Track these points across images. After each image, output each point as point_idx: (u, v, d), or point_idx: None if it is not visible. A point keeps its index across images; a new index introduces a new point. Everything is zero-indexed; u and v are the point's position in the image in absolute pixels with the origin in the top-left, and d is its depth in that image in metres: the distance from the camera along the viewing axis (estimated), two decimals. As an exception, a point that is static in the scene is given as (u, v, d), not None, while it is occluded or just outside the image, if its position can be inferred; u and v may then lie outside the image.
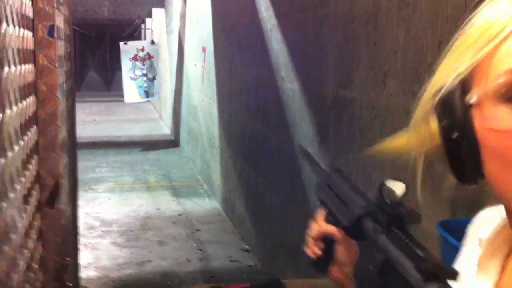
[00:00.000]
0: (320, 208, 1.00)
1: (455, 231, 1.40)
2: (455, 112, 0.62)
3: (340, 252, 0.94)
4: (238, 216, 5.27)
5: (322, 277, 1.02)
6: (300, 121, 3.41)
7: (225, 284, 1.05)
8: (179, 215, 5.86)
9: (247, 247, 4.85)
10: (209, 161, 6.73)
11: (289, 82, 3.58)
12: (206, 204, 6.27)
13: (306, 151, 1.22)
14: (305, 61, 3.35)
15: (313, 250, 0.96)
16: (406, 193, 0.79)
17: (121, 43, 9.74)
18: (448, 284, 0.60)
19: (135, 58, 9.47)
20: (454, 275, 0.62)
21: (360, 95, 2.60)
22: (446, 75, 0.62)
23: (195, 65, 7.41)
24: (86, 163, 7.71)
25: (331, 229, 0.94)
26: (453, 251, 1.35)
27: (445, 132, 0.63)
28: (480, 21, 0.60)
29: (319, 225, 0.96)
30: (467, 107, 0.61)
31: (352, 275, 0.93)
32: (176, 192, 6.73)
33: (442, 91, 0.62)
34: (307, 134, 3.28)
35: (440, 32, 1.91)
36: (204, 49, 6.65)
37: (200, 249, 4.84)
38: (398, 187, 0.79)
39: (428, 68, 2.00)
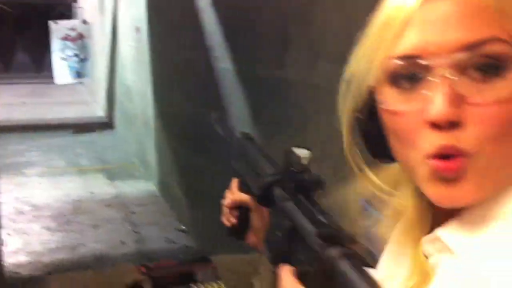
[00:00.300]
0: (234, 177, 1.00)
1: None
2: (361, 94, 0.65)
3: (254, 219, 0.96)
4: (174, 197, 5.25)
5: (246, 250, 1.03)
6: (235, 101, 3.41)
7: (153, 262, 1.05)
8: (113, 198, 5.77)
9: (183, 228, 4.84)
10: (144, 143, 6.64)
11: (223, 62, 3.57)
12: (141, 187, 6.20)
13: (218, 117, 1.21)
14: (240, 41, 3.35)
15: (228, 219, 0.97)
16: (311, 160, 0.81)
17: (51, 22, 9.41)
18: (348, 248, 0.62)
19: (66, 38, 9.18)
20: (353, 240, 0.64)
21: (294, 75, 2.63)
22: (356, 61, 0.66)
23: (129, 45, 7.26)
24: (15, 147, 7.45)
25: (245, 197, 0.96)
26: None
27: (356, 112, 0.66)
28: (387, 7, 0.63)
29: (233, 194, 0.98)
30: (372, 89, 0.64)
31: (264, 241, 0.95)
32: (111, 175, 6.61)
33: (354, 74, 0.66)
34: (242, 114, 3.29)
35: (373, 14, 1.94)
36: (138, 29, 6.52)
37: (136, 232, 4.79)
38: (303, 154, 0.81)
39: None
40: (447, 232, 0.61)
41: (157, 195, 5.86)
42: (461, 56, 0.56)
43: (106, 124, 9.99)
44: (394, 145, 0.63)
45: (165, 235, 4.71)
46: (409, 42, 0.59)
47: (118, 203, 5.60)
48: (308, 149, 0.81)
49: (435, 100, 0.56)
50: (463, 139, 0.56)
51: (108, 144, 8.43)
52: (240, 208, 0.98)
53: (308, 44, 2.47)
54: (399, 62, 0.59)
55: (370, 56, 0.63)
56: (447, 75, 0.56)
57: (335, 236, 0.64)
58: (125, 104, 8.06)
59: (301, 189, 0.78)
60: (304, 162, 0.80)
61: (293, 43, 2.61)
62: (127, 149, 7.90)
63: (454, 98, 0.56)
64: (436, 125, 0.57)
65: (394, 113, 0.61)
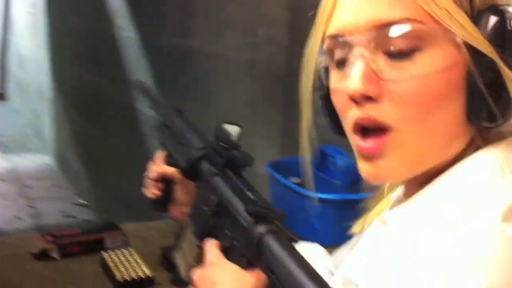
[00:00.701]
0: (159, 149, 1.00)
1: (282, 170, 1.51)
2: (314, 73, 0.68)
3: (179, 192, 0.95)
4: (72, 170, 5.09)
5: (157, 218, 1.03)
6: (138, 71, 3.35)
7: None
8: (7, 172, 5.50)
9: (83, 201, 4.72)
10: (39, 114, 6.36)
11: (126, 31, 3.48)
12: (37, 159, 5.94)
13: (145, 86, 1.19)
14: (143, 9, 3.28)
15: (152, 191, 0.97)
16: (240, 136, 0.82)
17: None
18: (276, 225, 0.64)
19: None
20: (282, 217, 0.66)
21: (198, 44, 2.62)
22: (309, 41, 0.68)
23: (25, 12, 6.88)
24: None
25: (170, 170, 0.95)
26: (280, 187, 1.45)
27: (313, 90, 0.69)
28: None
29: (158, 166, 0.97)
30: (325, 69, 0.68)
31: (189, 215, 0.94)
32: (3, 148, 6.28)
33: (308, 54, 0.69)
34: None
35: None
36: (32, -6, 6.19)
37: (31, 206, 4.61)
38: (233, 130, 0.82)
39: (262, 19, 2.07)
40: (391, 210, 0.66)
41: (54, 168, 5.66)
42: (373, 35, 0.59)
43: (-2, 94, 9.44)
44: (341, 121, 0.66)
45: (63, 209, 4.57)
46: (334, 23, 0.63)
47: (12, 177, 5.35)
48: (238, 125, 0.82)
49: (351, 76, 0.60)
50: (380, 113, 0.60)
51: (0, 115, 7.99)
52: (165, 181, 0.97)
53: (213, 14, 2.47)
54: (329, 42, 0.63)
55: (315, 37, 0.66)
56: (363, 52, 0.59)
57: (263, 212, 0.65)
58: (18, 73, 7.66)
59: (230, 165, 0.79)
60: (234, 138, 0.81)
61: (198, 11, 2.60)
62: (21, 121, 7.52)
63: (369, 74, 0.59)
64: (353, 100, 0.60)
65: (334, 91, 0.65)
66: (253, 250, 0.63)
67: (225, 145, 0.81)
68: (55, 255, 1.10)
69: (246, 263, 0.65)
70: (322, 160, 1.53)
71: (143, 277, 1.01)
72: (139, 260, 1.06)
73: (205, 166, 0.84)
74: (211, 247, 0.71)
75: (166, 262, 1.04)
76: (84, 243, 1.13)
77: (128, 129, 3.55)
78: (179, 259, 0.90)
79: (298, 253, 0.59)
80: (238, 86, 2.30)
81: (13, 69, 8.13)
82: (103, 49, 3.94)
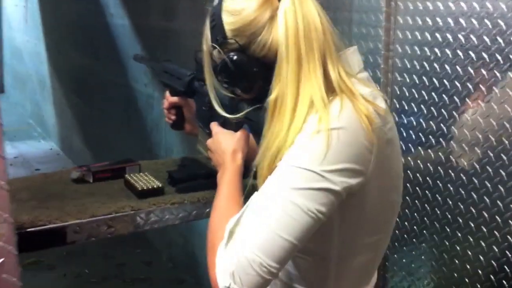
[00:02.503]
0: (165, 89, 1.43)
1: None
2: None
3: (186, 112, 1.40)
4: (77, 152, 5.47)
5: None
6: (130, 53, 3.73)
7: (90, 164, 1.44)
8: (15, 157, 5.88)
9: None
10: (40, 103, 6.72)
11: (119, 18, 3.86)
12: (42, 146, 6.32)
13: (140, 56, 1.65)
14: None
15: (169, 117, 1.42)
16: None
17: None
18: None
19: None
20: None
21: (183, 25, 3.01)
22: None
23: (16, 5, 7.19)
24: None
25: (175, 99, 1.40)
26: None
27: None
28: None
29: (167, 99, 1.42)
30: None
31: (196, 117, 1.37)
32: (9, 137, 6.65)
33: None
34: (139, 67, 3.63)
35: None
36: (24, -11, 6.51)
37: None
38: None
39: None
40: None
41: (59, 152, 6.04)
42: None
43: (-5, 88, 9.76)
44: None
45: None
46: None
47: (21, 161, 5.73)
48: None
49: None
50: None
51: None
52: (175, 108, 1.42)
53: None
54: None
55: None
56: None
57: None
58: (15, 65, 7.99)
59: None
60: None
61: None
62: (21, 111, 7.88)
63: None
64: None
65: None
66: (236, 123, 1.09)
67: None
68: (89, 179, 1.51)
69: (235, 128, 1.15)
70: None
71: (156, 187, 1.43)
72: (152, 178, 1.47)
73: (195, 84, 1.29)
74: (213, 125, 1.19)
75: (171, 179, 1.48)
76: (110, 171, 1.54)
77: (124, 106, 3.94)
78: (200, 147, 1.38)
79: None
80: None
81: (9, 62, 8.46)
82: (99, 36, 4.31)
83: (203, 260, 2.88)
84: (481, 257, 1.41)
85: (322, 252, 0.98)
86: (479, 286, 1.45)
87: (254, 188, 0.96)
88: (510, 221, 1.33)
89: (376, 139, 0.90)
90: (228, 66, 0.98)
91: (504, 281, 1.37)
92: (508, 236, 1.35)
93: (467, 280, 1.47)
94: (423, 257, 1.58)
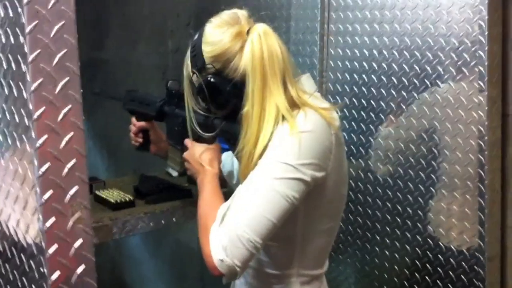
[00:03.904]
0: (131, 116, 1.61)
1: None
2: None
3: (152, 135, 1.58)
4: None
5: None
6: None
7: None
8: None
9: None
10: None
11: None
12: None
13: (99, 91, 1.83)
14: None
15: (136, 140, 1.59)
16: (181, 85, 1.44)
17: None
18: None
19: None
20: None
21: (113, 55, 3.17)
22: None
23: None
24: None
25: (142, 124, 1.58)
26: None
27: None
28: None
29: (134, 124, 1.59)
30: None
31: (167, 138, 1.54)
32: None
33: None
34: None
35: (180, 7, 2.59)
36: None
37: None
38: (174, 83, 1.46)
39: (171, 33, 2.68)
40: None
41: None
42: None
43: None
44: None
45: None
46: None
47: None
48: (175, 80, 1.45)
49: None
50: None
51: None
52: (142, 132, 1.59)
53: (126, 29, 3.03)
54: None
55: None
56: None
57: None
58: None
59: (179, 101, 1.41)
60: (178, 86, 1.44)
61: (111, 29, 3.15)
62: None
63: None
64: None
65: None
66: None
67: (174, 91, 1.45)
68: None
69: (208, 142, 1.33)
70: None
71: (128, 200, 1.60)
72: (122, 193, 1.64)
73: (166, 108, 1.48)
74: (187, 141, 1.36)
75: (138, 193, 1.66)
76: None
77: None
78: (171, 163, 1.54)
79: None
80: (151, 87, 2.89)
81: None
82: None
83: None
84: (397, 255, 1.74)
85: (288, 235, 1.22)
86: (396, 279, 1.76)
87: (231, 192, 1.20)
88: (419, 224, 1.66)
89: (334, 141, 1.17)
90: (206, 87, 1.21)
91: (416, 274, 1.69)
92: (417, 236, 1.68)
93: (386, 275, 1.78)
94: (348, 259, 1.88)
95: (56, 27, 0.75)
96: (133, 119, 1.61)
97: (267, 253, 1.26)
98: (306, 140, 1.12)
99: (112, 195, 1.65)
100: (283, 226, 1.13)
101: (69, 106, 0.77)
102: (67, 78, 0.77)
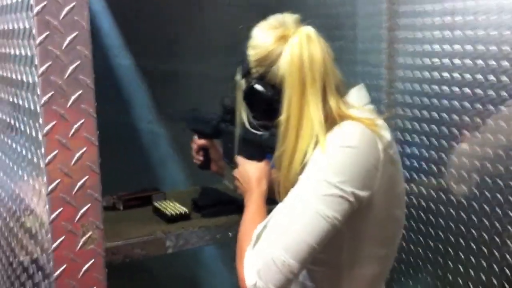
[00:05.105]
0: (193, 134, 1.58)
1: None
2: None
3: (212, 153, 1.54)
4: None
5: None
6: (137, 96, 3.88)
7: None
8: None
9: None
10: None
11: (123, 59, 4.02)
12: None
13: (169, 114, 1.83)
14: (138, 38, 3.81)
15: (197, 158, 1.56)
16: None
17: None
18: None
19: None
20: None
21: (188, 67, 3.17)
22: None
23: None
24: None
25: (203, 141, 1.54)
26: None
27: None
28: None
29: (195, 142, 1.56)
30: None
31: (223, 155, 1.50)
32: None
33: None
34: (142, 106, 3.77)
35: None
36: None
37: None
38: (227, 99, 1.41)
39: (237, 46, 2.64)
40: None
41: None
42: None
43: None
44: None
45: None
46: None
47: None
48: (228, 96, 1.40)
49: None
50: None
51: None
52: (203, 150, 1.56)
53: (201, 40, 3.03)
54: None
55: None
56: None
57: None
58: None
59: (233, 118, 1.36)
60: (232, 102, 1.39)
61: (182, 40, 3.16)
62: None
63: None
64: None
65: None
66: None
67: (229, 107, 1.40)
68: (120, 207, 1.64)
69: (258, 159, 1.27)
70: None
71: (183, 213, 1.56)
72: (179, 205, 1.61)
73: (221, 125, 1.44)
74: (238, 158, 1.31)
75: (195, 206, 1.62)
76: (139, 199, 1.67)
77: (127, 144, 4.06)
78: (226, 180, 1.52)
79: None
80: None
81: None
82: (101, 75, 4.46)
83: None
84: (471, 285, 1.59)
85: (334, 261, 1.12)
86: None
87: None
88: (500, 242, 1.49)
89: (382, 158, 1.05)
90: (250, 93, 1.15)
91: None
92: (494, 265, 1.52)
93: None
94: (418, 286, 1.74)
95: (68, 38, 0.71)
96: (195, 137, 1.59)
97: (312, 279, 1.17)
98: (347, 156, 1.03)
99: (168, 207, 1.62)
100: (327, 250, 1.04)
101: (82, 121, 0.73)
102: (79, 92, 0.73)
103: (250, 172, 1.27)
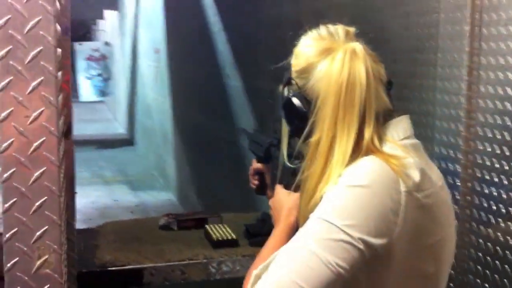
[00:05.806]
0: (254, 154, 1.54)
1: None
2: None
3: (267, 178, 1.47)
4: (191, 203, 5.74)
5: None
6: (243, 113, 3.93)
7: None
8: (136, 206, 6.27)
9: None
10: (163, 156, 7.15)
11: (233, 79, 4.09)
12: (161, 196, 6.69)
13: (242, 130, 1.78)
14: (246, 59, 3.87)
15: (253, 182, 1.50)
16: None
17: (76, 44, 10.06)
18: None
19: (90, 58, 9.80)
20: None
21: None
22: None
23: (148, 65, 7.82)
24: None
25: (258, 165, 1.49)
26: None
27: None
28: None
29: (253, 165, 1.50)
30: None
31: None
32: (133, 186, 7.13)
33: None
34: (248, 124, 3.80)
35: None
36: (157, 50, 7.09)
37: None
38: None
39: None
40: None
41: (175, 203, 6.36)
42: None
43: (126, 141, 10.56)
44: None
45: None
46: None
47: (141, 210, 6.11)
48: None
49: None
50: None
51: (129, 159, 8.97)
52: (259, 174, 1.51)
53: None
54: None
55: None
56: None
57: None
58: (145, 121, 8.60)
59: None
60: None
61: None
62: (147, 163, 8.43)
63: None
64: None
65: None
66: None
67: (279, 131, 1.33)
68: (174, 227, 1.63)
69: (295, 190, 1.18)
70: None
71: (230, 239, 1.51)
72: (229, 230, 1.56)
73: (272, 149, 1.38)
74: (277, 186, 1.25)
75: (247, 232, 1.56)
76: (193, 220, 1.65)
77: (233, 162, 4.12)
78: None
79: None
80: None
81: (140, 117, 9.14)
82: (215, 96, 4.59)
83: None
84: None
85: None
86: None
87: None
88: None
89: (404, 200, 0.92)
90: (287, 104, 1.04)
91: None
92: None
93: None
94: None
95: (32, 54, 0.70)
96: (254, 160, 1.53)
97: None
98: (356, 197, 0.91)
99: (219, 231, 1.58)
100: None
101: (42, 139, 0.71)
102: (42, 108, 0.71)
103: (282, 202, 1.19)
